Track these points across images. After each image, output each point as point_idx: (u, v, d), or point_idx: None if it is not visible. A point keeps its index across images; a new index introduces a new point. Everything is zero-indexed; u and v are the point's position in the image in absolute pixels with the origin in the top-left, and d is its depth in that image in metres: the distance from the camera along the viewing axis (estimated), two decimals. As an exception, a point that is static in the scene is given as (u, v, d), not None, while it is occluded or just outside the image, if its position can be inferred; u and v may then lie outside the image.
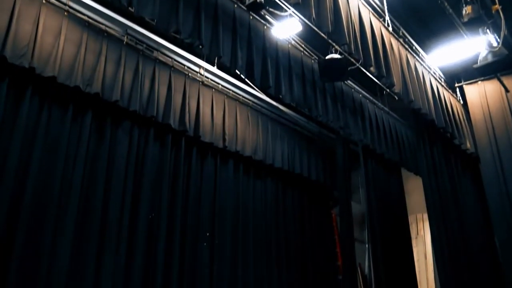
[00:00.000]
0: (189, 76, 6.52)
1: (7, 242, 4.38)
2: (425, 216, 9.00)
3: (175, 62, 6.35)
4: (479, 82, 6.95)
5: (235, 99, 7.20)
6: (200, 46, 4.99)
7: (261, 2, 4.84)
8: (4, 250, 4.35)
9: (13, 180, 4.54)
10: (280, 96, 5.81)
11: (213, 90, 6.85)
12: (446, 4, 5.53)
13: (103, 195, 5.30)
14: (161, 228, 5.80)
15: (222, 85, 7.00)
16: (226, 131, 6.86)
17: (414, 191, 8.81)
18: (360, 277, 8.61)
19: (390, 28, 6.06)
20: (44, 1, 4.99)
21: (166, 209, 5.93)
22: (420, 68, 6.56)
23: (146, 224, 5.70)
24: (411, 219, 8.40)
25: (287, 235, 7.65)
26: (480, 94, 6.84)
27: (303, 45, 6.44)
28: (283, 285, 7.24)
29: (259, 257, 7.04)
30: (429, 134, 6.63)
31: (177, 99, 6.25)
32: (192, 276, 6.04)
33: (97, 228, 5.13)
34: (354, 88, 7.19)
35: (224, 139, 6.81)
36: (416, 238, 8.83)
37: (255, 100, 7.53)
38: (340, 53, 5.73)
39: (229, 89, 7.10)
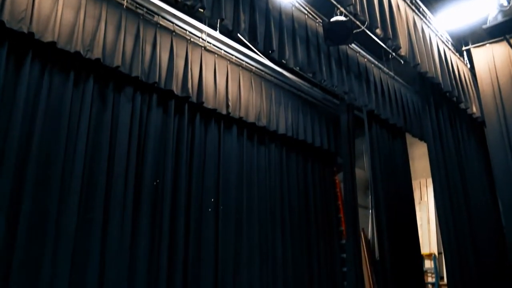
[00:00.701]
0: (191, 41, 6.42)
1: (12, 214, 4.42)
2: (429, 181, 9.05)
3: (176, 27, 6.23)
4: (487, 45, 6.80)
5: (238, 64, 7.11)
6: (202, 9, 4.87)
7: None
8: (10, 221, 4.38)
9: (16, 149, 4.54)
10: (284, 61, 5.72)
11: (216, 55, 6.75)
12: (455, -37, 5.34)
13: (107, 161, 5.32)
14: (165, 194, 5.85)
15: (224, 51, 6.89)
16: (229, 97, 6.82)
17: (418, 157, 8.81)
18: (363, 241, 8.71)
19: (397, -11, 5.88)
20: (40, -36, 4.86)
21: (171, 175, 5.97)
22: (427, 31, 6.41)
23: (151, 191, 5.75)
24: (414, 184, 8.41)
25: (291, 201, 7.71)
26: (488, 58, 6.71)
27: (307, 8, 6.28)
28: (287, 250, 7.34)
29: (264, 223, 7.12)
30: (435, 98, 6.55)
31: (179, 64, 6.18)
32: (198, 241, 6.13)
33: (102, 196, 5.16)
34: (359, 52, 7.07)
35: (227, 105, 6.77)
36: (420, 203, 8.88)
37: (258, 66, 7.44)
38: (345, 16, 5.60)
39: (232, 55, 7.00)
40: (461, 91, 6.64)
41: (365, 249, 8.66)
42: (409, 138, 8.20)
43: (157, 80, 5.80)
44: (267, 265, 6.91)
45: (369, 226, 9.32)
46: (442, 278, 8.25)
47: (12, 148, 4.51)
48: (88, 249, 4.89)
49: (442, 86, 6.16)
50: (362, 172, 9.68)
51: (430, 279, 8.21)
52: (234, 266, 6.42)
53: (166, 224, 5.75)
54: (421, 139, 7.83)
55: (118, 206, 5.28)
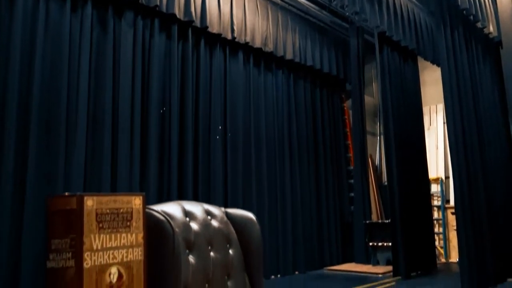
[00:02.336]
0: (192, -40, 6.00)
1: (20, 151, 4.37)
2: (439, 107, 8.90)
3: None
4: (509, -42, 6.30)
5: (242, -14, 6.72)
6: None
7: None
8: (18, 161, 4.34)
9: (17, 82, 4.40)
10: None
11: (219, -24, 6.36)
12: None
13: (112, 91, 5.19)
14: (172, 122, 5.79)
15: (228, -29, 6.49)
16: (234, 21, 6.53)
17: (429, 82, 8.59)
18: (371, 167, 8.76)
19: None
20: None
21: (177, 103, 5.88)
22: None
23: (157, 119, 5.68)
24: (424, 110, 8.27)
25: (299, 128, 7.65)
26: (509, -28, 6.26)
27: None
28: (295, 176, 7.40)
29: (272, 150, 7.12)
30: (451, 18, 6.21)
31: (180, -13, 5.83)
32: (207, 170, 6.15)
33: (108, 127, 5.09)
34: (371, -31, 6.62)
35: (232, 30, 6.50)
36: (429, 129, 8.79)
37: (264, -13, 7.04)
38: None
39: (236, -25, 6.59)
40: (478, 9, 6.27)
41: (372, 175, 8.74)
42: (420, 63, 7.93)
43: (158, 3, 5.51)
44: (276, 192, 7.00)
45: (376, 153, 9.34)
46: (448, 201, 8.37)
47: (14, 80, 4.37)
48: (98, 183, 4.88)
49: (459, 3, 5.81)
50: (371, 99, 9.52)
51: (436, 202, 8.35)
52: (243, 193, 6.51)
53: (174, 153, 5.74)
54: (433, 62, 7.56)
55: (126, 137, 5.23)
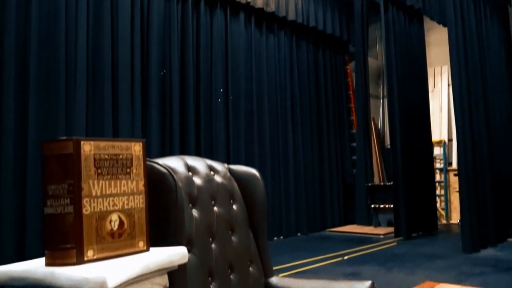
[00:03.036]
0: None
1: (19, 106, 4.32)
2: (444, 69, 8.76)
3: None
4: None
5: None
6: None
7: None
8: (18, 115, 4.31)
9: (14, 38, 4.31)
10: None
11: None
12: None
13: (111, 53, 5.09)
14: (173, 84, 5.72)
15: None
16: (235, -20, 6.34)
17: (434, 43, 8.41)
18: (374, 131, 8.71)
19: None
20: None
21: (177, 66, 5.79)
22: None
23: (158, 81, 5.61)
24: (428, 72, 8.14)
25: (301, 90, 7.56)
26: None
27: None
28: (298, 139, 7.37)
29: (274, 112, 7.05)
30: (459, -25, 6.00)
31: None
32: (208, 134, 6.12)
33: (109, 89, 5.02)
34: None
35: (233, -11, 6.32)
36: (433, 91, 8.68)
37: None
38: None
39: None
40: (488, -34, 6.07)
41: (375, 138, 8.70)
42: (426, 23, 7.73)
43: (156, -39, 5.33)
44: (278, 155, 6.99)
45: (379, 116, 9.27)
46: (450, 164, 8.37)
47: (10, 36, 4.28)
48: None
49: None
50: (374, 61, 9.36)
51: (438, 164, 8.34)
52: (246, 157, 6.49)
53: (176, 117, 5.70)
54: (439, 22, 7.37)
55: (126, 100, 5.17)
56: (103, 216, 0.91)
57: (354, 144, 8.36)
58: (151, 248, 1.01)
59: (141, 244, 0.99)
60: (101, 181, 0.92)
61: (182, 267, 1.26)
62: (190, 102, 5.87)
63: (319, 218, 7.49)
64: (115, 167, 0.94)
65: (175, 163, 1.56)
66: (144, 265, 0.91)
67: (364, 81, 8.28)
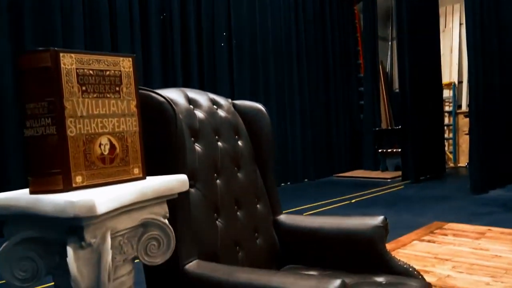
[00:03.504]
0: None
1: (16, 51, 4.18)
2: (456, 7, 8.38)
3: None
4: None
5: None
6: None
7: None
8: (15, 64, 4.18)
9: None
10: None
11: None
12: None
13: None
14: (174, 28, 5.50)
15: None
16: None
17: (447, -21, 8.00)
18: (382, 74, 8.49)
19: None
20: None
21: (178, 8, 5.54)
22: None
23: (158, 25, 5.40)
24: (440, 11, 7.79)
25: (307, 33, 7.29)
26: None
27: None
28: (303, 84, 7.19)
29: (279, 56, 6.83)
30: None
31: None
32: (212, 78, 5.96)
33: (107, 37, 4.83)
34: None
35: None
36: (443, 31, 8.35)
37: None
38: None
39: None
40: None
41: (383, 82, 8.49)
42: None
43: None
44: (284, 100, 6.84)
45: (387, 59, 9.00)
46: (459, 106, 8.20)
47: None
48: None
49: None
50: (383, 1, 8.95)
51: (448, 107, 8.17)
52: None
53: (177, 60, 5.53)
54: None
55: (126, 46, 4.98)
56: (91, 139, 0.82)
57: (362, 89, 8.17)
58: (148, 177, 0.92)
59: (136, 171, 0.89)
60: (86, 100, 0.81)
61: (184, 199, 1.18)
62: (192, 47, 5.68)
63: (326, 163, 7.45)
64: (101, 85, 0.83)
65: (174, 94, 1.45)
66: (139, 191, 0.82)
67: (373, 22, 7.97)
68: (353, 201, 5.30)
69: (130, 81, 0.88)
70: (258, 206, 1.71)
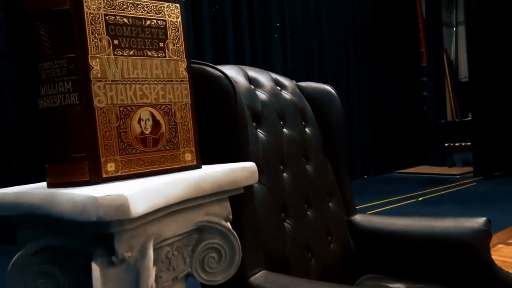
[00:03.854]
0: None
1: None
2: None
3: None
4: None
5: None
6: None
7: None
8: None
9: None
10: None
11: None
12: None
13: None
14: (227, 20, 5.33)
15: None
16: None
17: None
18: (446, 63, 7.89)
19: None
20: None
21: (230, 1, 5.38)
22: None
23: (210, 18, 5.25)
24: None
25: (364, 22, 6.89)
26: None
27: None
28: (361, 77, 6.81)
29: (336, 46, 6.50)
30: None
31: None
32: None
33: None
34: None
35: None
36: (516, 14, 7.62)
37: None
38: None
39: None
40: None
41: (447, 72, 7.89)
42: None
43: None
44: (341, 92, 6.45)
45: (452, 46, 8.37)
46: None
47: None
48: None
49: None
50: (447, -16, 8.34)
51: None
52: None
53: (231, 56, 5.36)
54: None
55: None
56: (127, 112, 0.60)
57: (425, 79, 7.63)
58: (204, 166, 0.69)
59: (189, 157, 0.66)
60: (120, 58, 0.59)
61: (248, 194, 0.95)
62: (245, 40, 5.50)
63: (387, 158, 7.01)
64: (140, 38, 0.61)
65: (232, 71, 1.22)
66: (193, 184, 0.59)
67: (435, 6, 7.41)
68: (420, 199, 4.89)
69: (178, 35, 0.65)
70: (330, 204, 1.45)
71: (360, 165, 6.63)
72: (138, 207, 0.47)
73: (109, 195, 0.46)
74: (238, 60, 5.44)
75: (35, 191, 0.55)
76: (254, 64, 5.62)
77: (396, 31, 7.44)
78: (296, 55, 6.02)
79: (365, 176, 6.68)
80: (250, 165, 0.68)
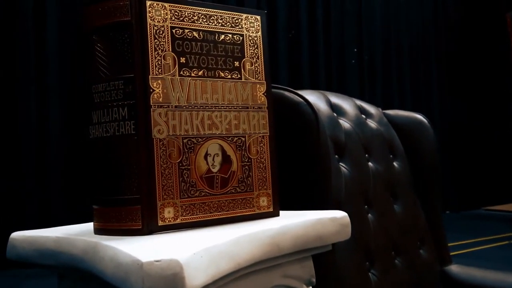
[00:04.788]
0: None
1: None
2: None
3: None
4: None
5: None
6: None
7: None
8: None
9: None
10: None
11: None
12: None
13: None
14: (303, 46, 5.28)
15: None
16: None
17: None
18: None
19: None
20: None
21: (306, 25, 5.33)
22: None
23: (286, 43, 5.22)
24: None
25: (448, 46, 6.50)
26: None
27: None
28: (444, 102, 6.39)
29: (416, 74, 6.17)
30: None
31: None
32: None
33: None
34: None
35: None
36: None
37: None
38: None
39: None
40: None
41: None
42: None
43: None
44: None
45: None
46: None
47: None
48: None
49: None
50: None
51: None
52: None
53: (306, 82, 5.28)
54: None
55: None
56: (192, 145, 0.48)
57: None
58: (282, 212, 0.56)
59: (264, 202, 0.54)
60: (187, 80, 0.49)
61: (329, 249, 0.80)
62: (320, 66, 5.40)
63: (473, 192, 6.45)
64: (212, 56, 0.50)
65: (313, 97, 1.10)
66: (270, 241, 0.46)
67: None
68: (512, 241, 4.37)
69: (257, 53, 0.54)
70: (421, 251, 1.25)
71: (442, 198, 6.14)
72: (196, 278, 0.35)
73: (158, 261, 0.35)
74: (312, 87, 5.34)
75: (78, 239, 0.46)
76: (329, 87, 5.48)
77: (483, 57, 6.96)
78: (373, 82, 5.80)
79: (447, 212, 6.17)
80: (341, 215, 0.53)
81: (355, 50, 5.73)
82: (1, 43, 3.41)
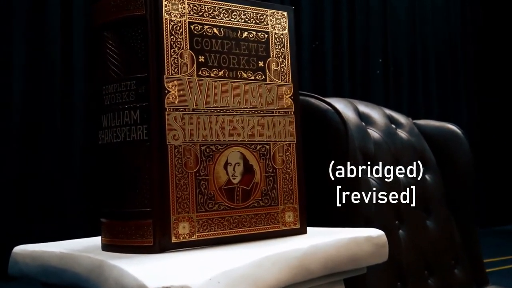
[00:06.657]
0: None
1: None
2: None
3: None
4: None
5: None
6: None
7: None
8: None
9: None
10: None
11: None
12: None
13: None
14: (327, 57, 5.22)
15: None
16: None
17: None
18: None
19: None
20: None
21: (330, 35, 5.27)
22: None
23: (310, 53, 5.18)
24: None
25: (476, 54, 6.35)
26: None
27: None
28: (473, 115, 6.22)
29: (443, 83, 6.04)
30: None
31: None
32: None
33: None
34: None
35: None
36: None
37: None
38: None
39: None
40: None
41: None
42: None
43: None
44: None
45: None
46: None
47: None
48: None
49: None
50: None
51: None
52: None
53: (330, 92, 5.20)
54: None
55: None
56: (210, 152, 0.44)
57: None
58: (310, 229, 0.51)
59: (290, 217, 0.48)
60: (206, 81, 0.44)
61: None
62: (345, 77, 5.32)
63: (505, 207, 6.23)
64: (234, 55, 0.46)
65: (341, 105, 1.04)
66: (297, 263, 0.40)
67: None
68: (547, 259, 4.17)
69: (283, 53, 0.49)
70: (455, 271, 1.16)
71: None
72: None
73: (167, 284, 0.30)
74: (336, 96, 5.27)
75: (83, 256, 0.41)
76: (354, 98, 5.39)
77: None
78: (399, 93, 5.69)
79: (478, 228, 5.97)
80: (377, 234, 0.48)
81: (380, 60, 5.65)
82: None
